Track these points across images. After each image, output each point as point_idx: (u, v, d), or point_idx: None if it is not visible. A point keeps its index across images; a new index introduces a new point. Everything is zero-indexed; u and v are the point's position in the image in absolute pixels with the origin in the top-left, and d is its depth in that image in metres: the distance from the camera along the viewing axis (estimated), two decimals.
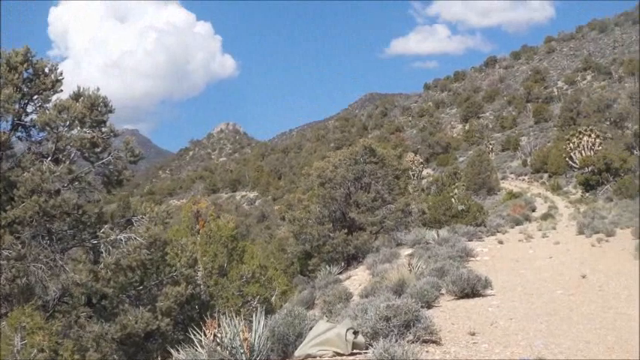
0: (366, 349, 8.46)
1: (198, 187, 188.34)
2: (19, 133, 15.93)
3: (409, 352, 7.73)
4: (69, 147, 15.22)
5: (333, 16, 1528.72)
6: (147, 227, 15.21)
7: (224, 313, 18.39)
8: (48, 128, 14.75)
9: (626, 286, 14.50)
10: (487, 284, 14.71)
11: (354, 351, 8.48)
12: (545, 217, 48.30)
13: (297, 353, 8.54)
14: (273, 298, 21.03)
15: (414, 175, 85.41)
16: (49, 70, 15.99)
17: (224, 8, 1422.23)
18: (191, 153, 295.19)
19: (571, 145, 72.98)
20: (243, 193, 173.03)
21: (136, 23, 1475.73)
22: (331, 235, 30.73)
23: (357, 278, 24.86)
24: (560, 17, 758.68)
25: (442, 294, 14.59)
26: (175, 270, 16.37)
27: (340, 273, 28.16)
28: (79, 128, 15.31)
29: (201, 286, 19.88)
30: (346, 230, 31.04)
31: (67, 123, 14.88)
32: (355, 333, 8.57)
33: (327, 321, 9.47)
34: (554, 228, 37.34)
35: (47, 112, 15.00)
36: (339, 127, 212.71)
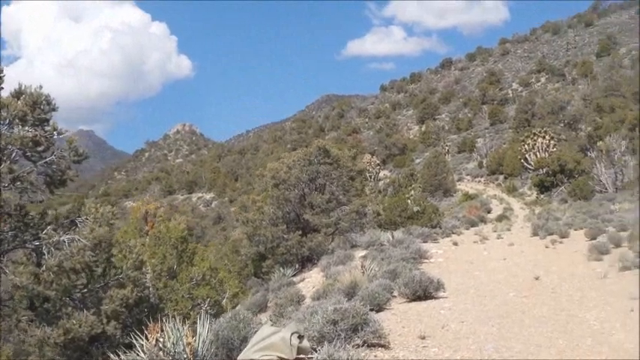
0: (312, 353, 8.18)
1: (155, 188, 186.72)
2: None
3: (354, 357, 7.47)
4: (10, 146, 14.70)
5: (289, 16, 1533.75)
6: (91, 228, 14.74)
7: (172, 317, 18.05)
8: None
9: (579, 288, 14.41)
10: (439, 286, 14.54)
11: (300, 356, 8.17)
12: (500, 218, 48.40)
13: (239, 358, 8.21)
14: (224, 300, 20.64)
15: (370, 177, 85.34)
16: None
17: (179, 9, 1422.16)
18: (147, 154, 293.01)
19: (526, 146, 73.39)
20: (200, 194, 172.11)
21: (90, 23, 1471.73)
22: (285, 236, 30.43)
23: (311, 280, 24.65)
24: (514, 19, 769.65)
25: (394, 296, 14.42)
26: (121, 272, 15.91)
27: (295, 275, 27.96)
28: (19, 127, 14.81)
29: (150, 289, 19.42)
30: (300, 232, 30.73)
31: (7, 121, 14.36)
32: (300, 337, 8.26)
33: (272, 325, 9.14)
34: (509, 229, 37.38)
35: None
36: (296, 128, 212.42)
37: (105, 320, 14.70)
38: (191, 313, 19.33)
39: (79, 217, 15.45)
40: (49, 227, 14.86)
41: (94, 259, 14.62)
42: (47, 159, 15.22)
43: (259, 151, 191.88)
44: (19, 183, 15.31)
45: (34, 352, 13.86)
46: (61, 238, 14.48)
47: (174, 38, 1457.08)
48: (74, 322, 14.31)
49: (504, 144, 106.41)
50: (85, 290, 15.42)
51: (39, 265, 14.42)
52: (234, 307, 21.77)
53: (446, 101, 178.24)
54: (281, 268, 28.29)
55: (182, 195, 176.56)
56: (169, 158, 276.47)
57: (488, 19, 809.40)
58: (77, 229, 15.09)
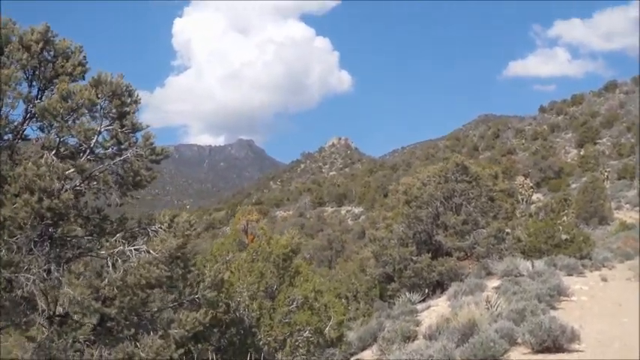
0: None
1: (305, 199, 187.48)
2: (39, 123, 13.82)
3: None
4: (82, 140, 13.06)
5: (451, 36, 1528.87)
6: (161, 239, 12.87)
7: (265, 343, 16.10)
8: (49, 116, 12.59)
9: None
10: (574, 337, 12.01)
11: None
12: None
13: None
14: (327, 329, 18.55)
15: (522, 200, 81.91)
16: (71, 52, 13.92)
17: (343, 25, 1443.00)
18: (302, 165, 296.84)
19: None
20: (349, 207, 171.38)
21: (256, 36, 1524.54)
22: (414, 258, 28.64)
23: (436, 310, 22.83)
24: None
25: (518, 343, 12.10)
26: (197, 292, 14.03)
27: (423, 300, 26.24)
28: (87, 118, 13.14)
29: (247, 309, 17.60)
30: (431, 254, 28.78)
31: (70, 111, 12.70)
32: None
33: None
34: None
35: (48, 98, 12.88)
36: (450, 146, 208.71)
37: (173, 346, 12.79)
38: (287, 340, 17.31)
39: (151, 224, 13.66)
40: (117, 235, 13.11)
41: (166, 274, 12.75)
42: (122, 157, 13.49)
43: (410, 168, 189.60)
44: (94, 183, 13.67)
45: None
46: (126, 249, 12.68)
47: (337, 54, 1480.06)
48: (137, 345, 12.49)
49: None
50: (156, 310, 13.57)
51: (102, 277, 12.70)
52: (339, 336, 19.80)
53: (608, 125, 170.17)
54: (407, 293, 26.61)
55: (331, 207, 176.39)
56: (324, 171, 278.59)
57: None
58: (147, 239, 13.29)
